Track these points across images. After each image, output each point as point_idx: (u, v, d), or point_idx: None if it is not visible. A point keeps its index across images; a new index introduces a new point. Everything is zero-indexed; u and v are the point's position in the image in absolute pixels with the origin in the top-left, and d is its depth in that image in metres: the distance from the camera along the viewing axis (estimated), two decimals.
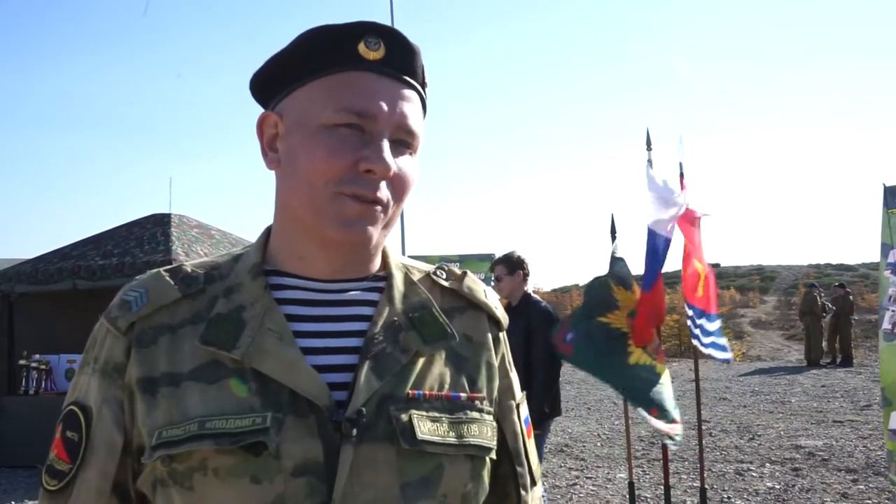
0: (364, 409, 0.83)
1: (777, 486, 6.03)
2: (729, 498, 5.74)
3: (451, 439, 0.87)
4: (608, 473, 6.67)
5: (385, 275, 0.96)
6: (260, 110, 0.94)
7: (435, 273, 1.00)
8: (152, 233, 7.92)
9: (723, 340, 4.26)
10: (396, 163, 0.87)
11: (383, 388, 0.85)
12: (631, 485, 4.58)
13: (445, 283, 0.99)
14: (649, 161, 4.27)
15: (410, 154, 0.90)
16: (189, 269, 0.92)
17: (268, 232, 0.97)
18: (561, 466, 6.95)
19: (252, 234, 0.99)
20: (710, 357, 4.23)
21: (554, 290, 28.87)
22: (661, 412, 3.69)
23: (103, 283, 7.16)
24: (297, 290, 0.92)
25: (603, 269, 4.24)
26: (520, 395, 1.02)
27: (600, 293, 4.09)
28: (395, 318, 0.91)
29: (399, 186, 0.88)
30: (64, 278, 7.45)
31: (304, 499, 0.80)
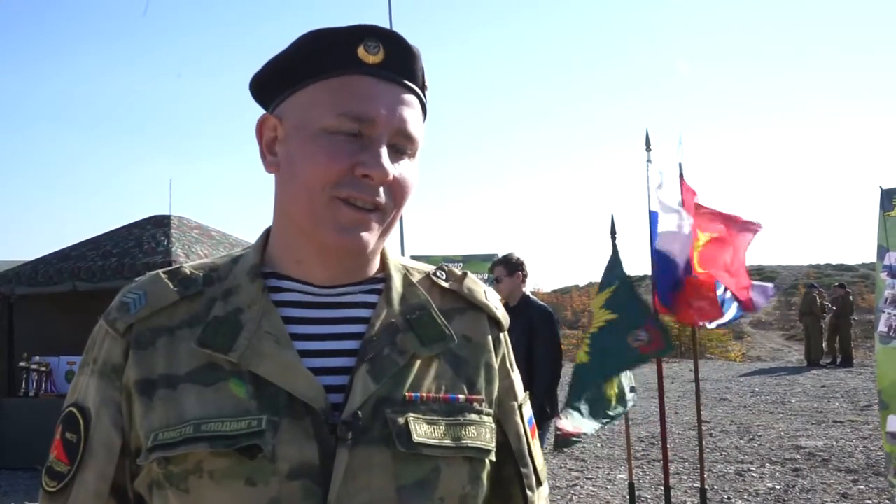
0: (360, 412, 0.83)
1: (777, 487, 6.02)
2: (729, 498, 5.73)
3: (448, 442, 0.86)
4: (608, 474, 6.67)
5: (384, 277, 0.96)
6: (260, 111, 0.94)
7: (435, 274, 1.00)
8: (152, 234, 7.92)
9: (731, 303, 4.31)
10: (396, 168, 0.86)
11: (380, 390, 0.85)
12: (631, 485, 4.58)
13: (445, 284, 0.99)
14: (649, 161, 4.29)
15: (410, 158, 0.89)
16: (188, 271, 0.92)
17: (267, 234, 0.97)
18: (561, 467, 6.95)
19: (252, 235, 1.00)
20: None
21: (554, 291, 28.87)
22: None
23: (103, 284, 7.15)
24: (294, 292, 0.91)
25: (601, 270, 4.27)
26: (522, 395, 1.01)
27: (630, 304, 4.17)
28: (393, 320, 0.91)
29: (398, 191, 0.88)
30: (64, 280, 7.45)
31: (300, 502, 0.80)
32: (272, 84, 0.91)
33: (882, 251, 3.84)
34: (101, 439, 0.85)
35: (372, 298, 0.93)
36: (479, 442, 0.89)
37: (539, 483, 0.99)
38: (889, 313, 3.74)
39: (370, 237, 0.87)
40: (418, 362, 0.89)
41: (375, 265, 0.96)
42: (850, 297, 15.94)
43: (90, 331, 0.93)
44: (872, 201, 3.96)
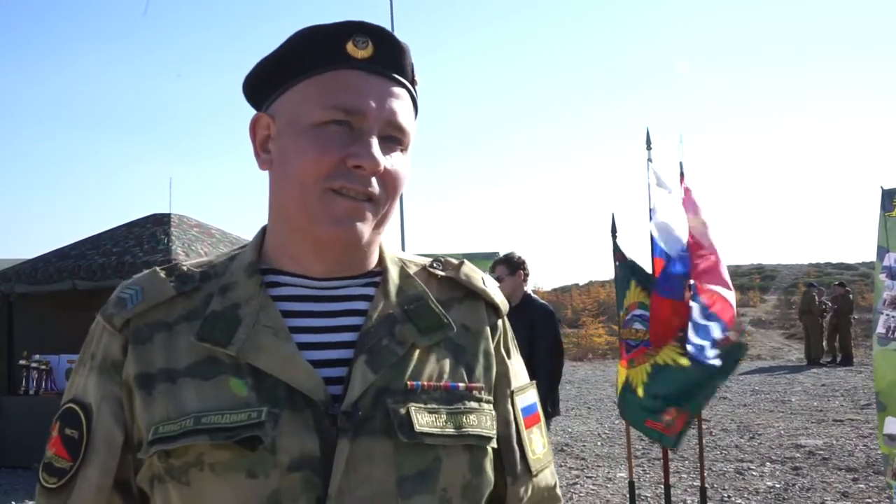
0: (360, 403, 0.83)
1: (777, 485, 6.03)
2: (729, 497, 5.74)
3: (450, 430, 0.87)
4: (608, 473, 6.68)
5: (381, 270, 0.96)
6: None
7: (431, 265, 1.01)
8: (152, 232, 7.92)
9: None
10: (387, 159, 0.87)
11: (379, 380, 0.85)
12: (631, 484, 4.58)
13: (442, 273, 0.99)
14: (649, 160, 4.29)
15: (402, 151, 0.90)
16: (185, 268, 0.93)
17: (263, 231, 0.97)
18: (561, 466, 6.95)
19: (252, 234, 0.99)
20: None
21: (554, 290, 28.87)
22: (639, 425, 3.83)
23: (103, 282, 7.15)
24: (292, 286, 0.92)
25: (601, 269, 4.27)
26: (518, 383, 1.00)
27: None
28: (391, 311, 0.91)
29: (391, 183, 0.88)
30: (63, 278, 7.44)
31: (300, 493, 0.80)
32: (264, 83, 0.92)
33: (882, 252, 3.83)
34: (104, 434, 0.86)
35: (369, 291, 0.94)
36: (479, 429, 0.89)
37: (529, 472, 0.97)
38: (888, 315, 3.73)
39: (365, 228, 0.88)
40: (417, 352, 0.90)
41: (373, 260, 0.96)
42: (851, 296, 15.95)
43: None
44: (873, 201, 3.96)
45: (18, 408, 7.45)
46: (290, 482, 0.80)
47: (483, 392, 0.93)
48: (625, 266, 4.37)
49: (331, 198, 0.86)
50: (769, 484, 6.09)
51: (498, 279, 4.51)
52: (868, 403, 9.81)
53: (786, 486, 5.99)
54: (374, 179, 0.86)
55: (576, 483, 6.34)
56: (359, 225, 0.87)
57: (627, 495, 4.74)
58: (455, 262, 1.02)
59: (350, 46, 0.87)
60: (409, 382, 0.87)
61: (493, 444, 0.92)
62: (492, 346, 0.97)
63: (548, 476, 1.01)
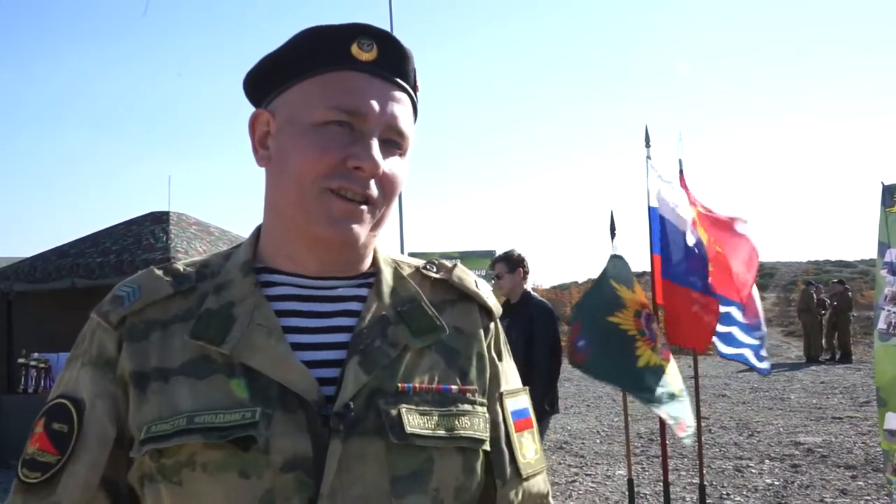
0: (353, 404, 0.83)
1: (776, 483, 6.03)
2: (728, 494, 5.74)
3: (442, 432, 0.86)
4: (607, 470, 6.68)
5: (374, 271, 0.96)
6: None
7: (425, 267, 1.01)
8: (151, 230, 7.92)
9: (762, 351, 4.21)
10: (386, 163, 0.87)
11: (372, 382, 0.85)
12: (630, 481, 4.58)
13: (435, 275, 0.99)
14: (648, 157, 4.28)
15: (400, 155, 0.91)
16: (181, 268, 0.93)
17: (258, 230, 0.97)
18: (560, 463, 6.96)
19: (250, 232, 0.99)
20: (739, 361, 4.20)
21: (553, 288, 28.87)
22: (670, 416, 3.74)
23: (102, 281, 7.14)
24: (287, 286, 0.92)
25: (601, 267, 4.26)
26: (508, 386, 0.99)
27: (607, 292, 4.08)
28: (384, 313, 0.91)
29: (388, 186, 0.89)
30: (62, 276, 7.44)
31: (293, 494, 0.80)
32: (266, 80, 0.92)
33: (883, 248, 3.83)
34: (96, 430, 0.85)
35: (363, 292, 0.94)
36: (472, 432, 0.89)
37: (519, 476, 0.95)
38: (889, 310, 3.72)
39: (361, 230, 0.88)
40: (410, 354, 0.90)
41: (368, 261, 0.96)
42: (850, 294, 15.97)
43: None
44: (872, 197, 3.96)
45: (17, 406, 7.43)
46: (283, 482, 0.80)
47: (477, 394, 0.93)
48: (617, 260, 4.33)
49: (328, 198, 0.86)
50: (768, 481, 6.09)
51: (497, 276, 4.51)
52: (867, 401, 9.82)
53: (785, 484, 6.00)
54: (372, 182, 0.87)
55: (575, 480, 6.35)
56: (355, 227, 0.87)
57: (626, 493, 4.74)
58: (448, 264, 1.02)
59: (355, 48, 0.88)
60: (400, 384, 0.87)
61: (486, 446, 0.92)
62: (485, 349, 0.97)
63: (540, 483, 1.00)
